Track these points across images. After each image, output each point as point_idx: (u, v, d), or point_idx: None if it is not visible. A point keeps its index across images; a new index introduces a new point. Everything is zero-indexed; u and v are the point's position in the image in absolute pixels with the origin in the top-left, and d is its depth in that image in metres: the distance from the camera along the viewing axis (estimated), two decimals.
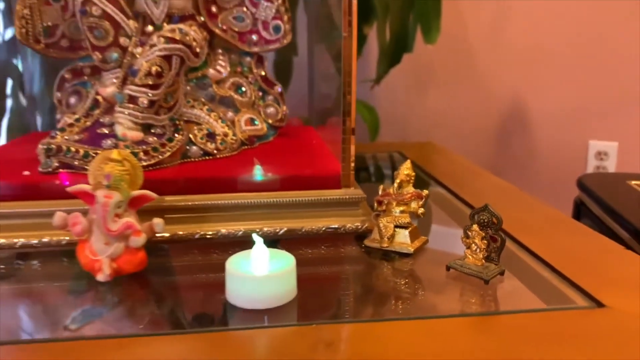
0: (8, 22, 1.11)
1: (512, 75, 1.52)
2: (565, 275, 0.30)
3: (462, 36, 1.52)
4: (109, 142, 0.37)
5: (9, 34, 0.77)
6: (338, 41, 0.67)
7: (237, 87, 0.47)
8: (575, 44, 1.39)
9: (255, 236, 0.28)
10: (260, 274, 0.27)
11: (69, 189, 0.30)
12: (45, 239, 0.34)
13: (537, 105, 1.49)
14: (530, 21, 1.42)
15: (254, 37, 0.47)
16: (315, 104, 0.68)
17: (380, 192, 0.35)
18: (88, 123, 0.40)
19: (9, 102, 0.82)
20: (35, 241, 0.34)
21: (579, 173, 1.48)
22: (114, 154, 0.30)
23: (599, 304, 0.27)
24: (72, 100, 0.45)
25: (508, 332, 0.26)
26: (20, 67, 1.18)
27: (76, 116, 0.40)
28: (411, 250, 0.33)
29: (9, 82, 0.87)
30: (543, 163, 1.44)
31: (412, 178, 0.35)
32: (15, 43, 1.11)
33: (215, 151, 0.41)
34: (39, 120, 1.17)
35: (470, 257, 0.30)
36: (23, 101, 0.89)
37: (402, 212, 0.34)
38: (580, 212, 0.69)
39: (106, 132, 0.38)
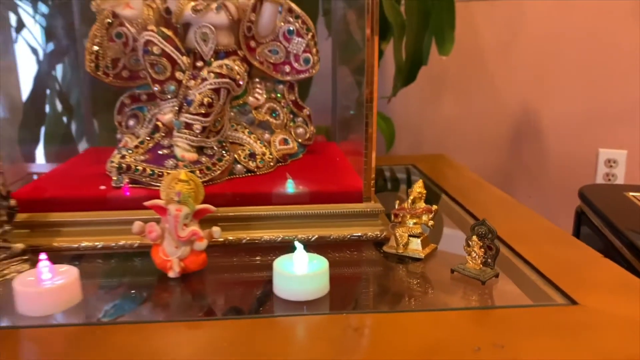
0: (48, 37, 1.21)
1: (524, 84, 1.57)
2: (549, 277, 0.36)
3: (475, 47, 1.58)
4: (170, 162, 0.45)
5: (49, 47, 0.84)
6: (357, 56, 0.74)
7: (272, 112, 0.54)
8: (585, 53, 1.44)
9: (297, 243, 0.35)
10: (301, 273, 0.34)
11: (146, 203, 0.37)
12: (121, 242, 0.41)
13: (548, 114, 1.54)
14: (541, 32, 1.48)
15: (287, 67, 0.54)
16: (337, 115, 0.75)
17: (396, 206, 0.42)
18: (150, 145, 0.47)
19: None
20: (112, 244, 0.41)
21: (588, 180, 1.54)
22: (182, 175, 0.38)
23: (573, 302, 0.34)
24: (131, 122, 0.53)
25: (500, 322, 0.32)
26: (58, 79, 1.27)
27: (140, 139, 0.48)
28: (422, 255, 0.40)
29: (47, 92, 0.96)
30: (554, 170, 1.49)
31: (424, 195, 0.41)
32: (53, 56, 1.20)
33: (256, 169, 0.48)
34: (73, 128, 1.27)
35: (470, 262, 0.37)
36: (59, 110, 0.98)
37: (415, 223, 0.41)
38: (580, 220, 0.75)
39: (166, 153, 0.46)
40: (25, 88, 0.87)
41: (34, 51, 0.93)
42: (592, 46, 1.44)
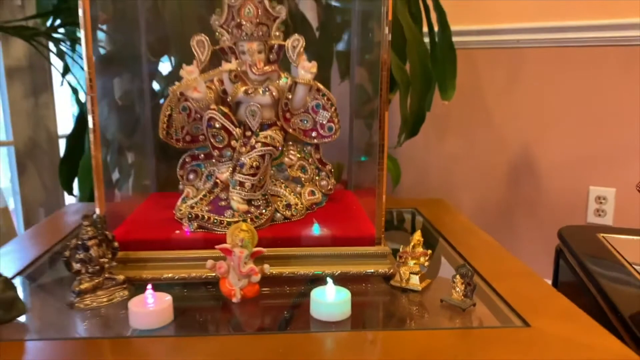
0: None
1: (522, 126, 1.73)
2: (512, 306, 0.50)
3: (477, 91, 1.75)
4: (228, 212, 0.59)
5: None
6: (368, 106, 0.88)
7: (302, 168, 0.68)
8: (577, 98, 1.60)
9: (328, 279, 0.49)
10: (330, 301, 0.48)
11: (217, 247, 0.51)
12: (193, 275, 0.55)
13: (544, 153, 1.69)
14: (538, 77, 1.64)
15: (314, 133, 0.68)
16: (353, 153, 0.88)
17: (400, 250, 0.56)
18: (212, 197, 0.62)
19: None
20: (186, 275, 0.55)
21: (580, 214, 1.68)
22: (244, 226, 0.52)
23: (527, 324, 0.47)
24: (191, 176, 0.67)
25: (475, 338, 0.46)
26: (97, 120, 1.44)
27: (203, 192, 0.62)
28: (419, 288, 0.54)
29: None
30: (548, 204, 1.63)
31: (421, 242, 0.55)
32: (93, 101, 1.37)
33: (291, 216, 0.62)
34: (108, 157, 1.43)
35: (454, 294, 0.51)
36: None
37: (414, 263, 0.55)
38: (559, 257, 0.88)
39: (224, 204, 0.60)
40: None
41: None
42: (585, 92, 1.59)
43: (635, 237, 0.86)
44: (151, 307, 0.46)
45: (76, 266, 0.50)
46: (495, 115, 1.73)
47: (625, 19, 1.46)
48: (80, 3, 0.53)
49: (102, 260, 0.51)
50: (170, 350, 0.44)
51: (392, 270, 0.57)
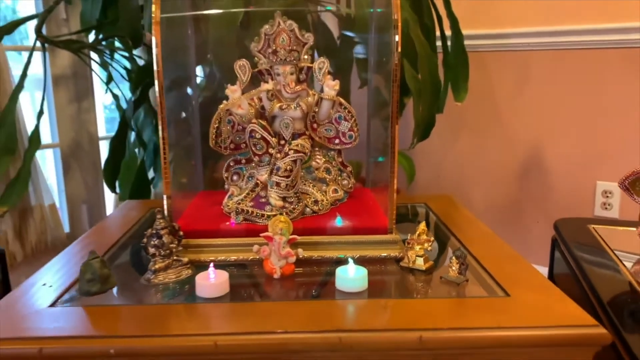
0: (133, 89, 1.53)
1: (530, 125, 1.85)
2: (498, 281, 0.63)
3: (488, 92, 1.87)
4: (268, 207, 0.73)
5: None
6: (384, 110, 1.00)
7: (326, 170, 0.82)
8: (582, 97, 1.71)
9: (350, 259, 0.63)
10: (352, 276, 0.62)
11: (262, 235, 0.66)
12: (241, 257, 0.69)
13: (552, 151, 1.81)
14: (545, 78, 1.75)
15: (337, 141, 0.82)
16: (370, 153, 1.00)
17: (408, 238, 0.69)
18: (253, 195, 0.76)
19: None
20: (234, 257, 0.70)
21: (588, 208, 1.80)
22: (282, 218, 0.66)
23: (508, 295, 0.60)
24: (235, 177, 0.81)
25: (466, 305, 0.59)
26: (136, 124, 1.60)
27: (247, 191, 0.77)
28: (424, 268, 0.67)
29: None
30: (557, 199, 1.74)
31: (425, 231, 0.69)
32: (132, 105, 1.52)
33: (318, 211, 0.76)
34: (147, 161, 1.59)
35: (451, 272, 0.64)
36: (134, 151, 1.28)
37: (420, 248, 0.68)
38: (554, 246, 1.00)
39: (264, 201, 0.75)
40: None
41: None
42: (589, 91, 1.70)
43: (621, 228, 0.98)
44: (212, 281, 0.61)
45: (151, 250, 0.64)
46: (505, 114, 1.85)
47: (626, 22, 1.57)
48: (154, 41, 0.67)
49: (171, 245, 0.65)
50: (227, 313, 0.58)
51: (401, 254, 0.70)
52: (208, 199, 0.84)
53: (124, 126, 1.60)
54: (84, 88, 1.81)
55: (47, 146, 1.78)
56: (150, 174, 1.65)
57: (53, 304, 0.59)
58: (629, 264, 0.80)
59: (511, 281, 0.63)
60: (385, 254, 0.71)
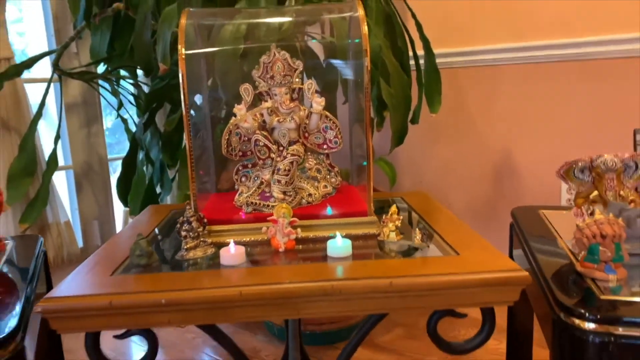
0: (142, 113, 1.76)
1: (502, 133, 2.11)
2: (452, 245, 0.84)
3: (462, 104, 2.13)
4: (271, 199, 0.95)
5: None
6: (363, 122, 1.21)
7: (317, 170, 1.04)
8: (547, 107, 1.95)
9: (337, 232, 0.84)
10: (340, 245, 0.83)
11: (269, 218, 0.87)
12: (252, 239, 0.90)
13: (522, 155, 2.06)
14: (514, 91, 2.00)
15: (325, 146, 1.04)
16: (353, 160, 1.22)
17: (383, 217, 0.91)
18: (259, 191, 0.97)
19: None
20: (247, 239, 0.91)
21: (555, 204, 2.01)
22: (284, 205, 0.87)
23: (458, 254, 0.82)
24: (243, 179, 1.03)
25: (425, 262, 0.80)
26: (146, 142, 1.83)
27: (254, 188, 0.98)
28: (396, 240, 0.89)
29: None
30: (527, 198, 1.98)
31: (396, 212, 0.90)
32: (142, 127, 1.74)
33: (312, 202, 0.98)
34: (155, 176, 1.81)
35: (416, 240, 0.85)
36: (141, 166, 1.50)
37: (392, 225, 0.89)
38: (512, 231, 1.22)
39: (269, 195, 0.96)
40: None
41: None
42: (552, 101, 1.95)
43: (565, 212, 1.20)
44: (233, 252, 0.82)
45: (183, 233, 0.85)
46: (479, 124, 2.09)
47: (583, 37, 1.82)
48: (180, 72, 0.89)
49: (198, 230, 0.86)
50: (246, 274, 0.79)
51: (378, 231, 0.92)
52: (221, 198, 1.05)
53: (134, 146, 1.82)
54: (93, 114, 2.04)
55: (61, 168, 1.99)
56: (157, 189, 1.86)
57: (112, 274, 0.80)
58: (567, 238, 1.02)
59: (462, 246, 0.85)
60: (365, 232, 0.92)
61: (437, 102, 1.71)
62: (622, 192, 1.04)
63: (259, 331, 1.71)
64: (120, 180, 1.77)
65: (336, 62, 1.43)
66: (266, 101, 1.00)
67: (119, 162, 1.80)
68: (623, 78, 1.75)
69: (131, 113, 1.93)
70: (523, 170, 2.02)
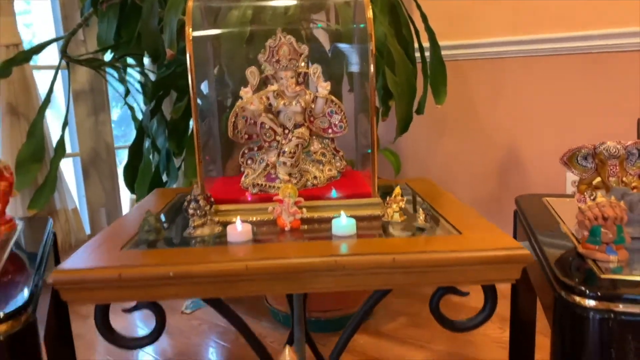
0: (149, 100, 1.78)
1: (507, 126, 2.12)
2: (454, 225, 0.86)
3: (468, 97, 2.14)
4: (277, 181, 0.96)
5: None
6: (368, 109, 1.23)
7: (322, 154, 1.05)
8: (551, 100, 1.96)
9: (342, 212, 0.85)
10: (344, 223, 0.84)
11: (275, 198, 0.88)
12: (258, 218, 0.92)
13: (527, 149, 2.06)
14: (518, 83, 2.01)
15: (330, 130, 1.05)
16: (358, 150, 1.24)
17: (387, 199, 0.92)
18: (265, 173, 0.99)
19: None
20: (253, 219, 0.92)
21: None
22: (289, 185, 0.89)
23: (460, 233, 0.83)
24: (249, 162, 1.05)
25: (429, 240, 0.82)
26: (153, 130, 1.85)
27: (260, 170, 1.00)
28: (399, 221, 0.90)
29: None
30: (532, 189, 1.99)
31: (399, 193, 0.91)
32: (149, 114, 1.77)
33: (317, 184, 0.99)
34: (161, 164, 1.83)
35: (419, 220, 0.87)
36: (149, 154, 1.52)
37: (396, 206, 0.91)
38: (515, 217, 1.23)
39: (274, 177, 0.98)
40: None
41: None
42: (556, 93, 1.96)
43: (569, 199, 1.21)
44: (240, 229, 0.83)
45: (191, 211, 0.87)
46: (484, 116, 2.10)
47: (585, 31, 1.83)
48: (188, 54, 0.90)
49: (205, 208, 0.88)
50: (252, 250, 0.81)
51: (382, 213, 0.93)
52: (228, 181, 1.07)
53: (140, 134, 1.84)
54: (100, 102, 2.06)
55: (69, 155, 2.01)
56: (164, 178, 1.88)
57: (121, 249, 0.82)
58: (570, 224, 1.03)
59: (465, 226, 0.86)
60: (369, 213, 0.94)
61: (443, 93, 1.73)
62: (624, 179, 1.05)
63: (263, 318, 1.73)
64: (127, 168, 1.79)
65: (342, 46, 1.44)
66: (272, 85, 1.01)
67: (126, 151, 1.83)
68: (627, 71, 1.76)
69: (138, 101, 1.96)
70: (528, 163, 2.03)
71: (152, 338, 0.81)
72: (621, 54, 1.74)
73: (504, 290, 1.20)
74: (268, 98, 1.01)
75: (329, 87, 1.01)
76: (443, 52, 1.69)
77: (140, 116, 1.89)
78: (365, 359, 1.50)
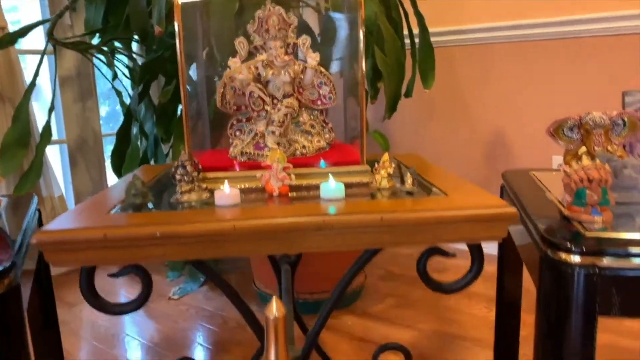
0: (137, 83, 1.77)
1: (494, 111, 2.13)
2: (441, 189, 0.87)
3: (455, 82, 2.15)
4: (266, 149, 0.96)
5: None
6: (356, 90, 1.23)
7: (312, 126, 1.06)
8: (537, 85, 1.98)
9: (330, 176, 0.86)
10: (333, 187, 0.85)
11: (263, 164, 0.89)
12: (247, 185, 0.92)
13: (514, 133, 2.08)
14: (506, 69, 2.03)
15: (319, 102, 1.06)
16: (347, 132, 1.25)
17: (375, 165, 0.93)
18: (254, 142, 0.99)
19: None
20: (244, 186, 0.92)
21: None
22: (278, 151, 0.89)
23: (446, 195, 0.84)
24: (237, 133, 1.05)
25: (417, 201, 0.82)
26: (142, 113, 1.85)
27: (248, 139, 1.00)
28: (387, 186, 0.91)
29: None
30: None
31: (387, 160, 0.92)
32: (137, 97, 1.76)
33: (306, 154, 1.00)
34: (148, 148, 1.82)
35: (407, 185, 0.88)
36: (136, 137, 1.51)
37: (384, 172, 0.91)
38: (502, 192, 1.24)
39: (262, 145, 0.98)
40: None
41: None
42: (543, 78, 1.98)
43: (555, 172, 1.22)
44: (227, 192, 0.83)
45: (178, 177, 0.87)
46: (472, 102, 2.12)
47: (573, 15, 1.85)
48: (176, 23, 0.90)
49: (193, 174, 0.88)
50: (240, 212, 0.81)
51: (371, 180, 0.94)
52: (216, 152, 1.07)
53: (128, 118, 1.83)
54: (88, 88, 2.05)
55: (55, 142, 2.00)
56: (151, 163, 1.87)
57: (107, 213, 0.81)
58: (556, 193, 1.04)
59: (452, 189, 0.87)
60: (358, 180, 0.94)
61: (431, 78, 1.74)
62: (609, 148, 1.06)
63: (252, 301, 1.73)
64: (114, 153, 1.79)
65: (331, 26, 1.45)
66: (261, 54, 1.01)
67: (113, 139, 1.81)
68: (615, 55, 1.78)
69: (126, 87, 1.95)
70: (514, 146, 2.04)
71: (137, 303, 0.81)
72: (611, 38, 1.77)
73: (490, 271, 1.21)
74: (257, 68, 1.02)
75: (317, 58, 1.01)
76: (432, 39, 1.71)
77: (128, 101, 1.88)
78: (351, 339, 1.50)
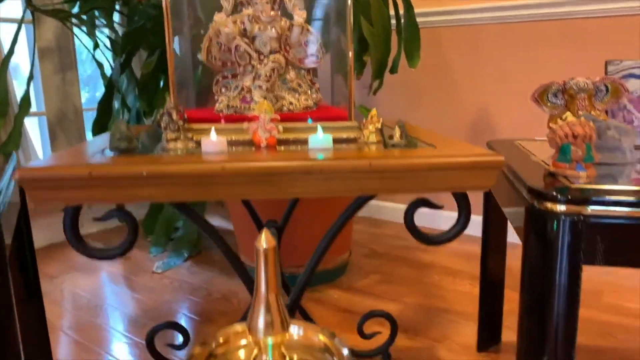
0: (119, 54, 1.75)
1: (480, 91, 2.15)
2: (429, 142, 0.87)
3: (443, 63, 2.16)
4: (252, 103, 0.96)
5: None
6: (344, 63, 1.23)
7: (299, 84, 1.05)
8: (525, 66, 2.00)
9: (318, 127, 0.86)
10: (321, 137, 0.85)
11: (250, 115, 0.88)
12: (234, 138, 0.92)
13: (501, 114, 2.10)
14: (493, 51, 2.04)
15: (306, 60, 1.06)
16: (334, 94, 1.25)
17: (363, 121, 0.93)
18: (241, 96, 0.99)
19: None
20: (230, 139, 0.92)
21: None
22: (266, 102, 0.89)
23: (434, 147, 0.85)
24: (223, 89, 1.04)
25: (405, 153, 0.83)
26: (124, 85, 1.83)
27: (234, 93, 0.99)
28: (375, 140, 0.91)
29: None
30: None
31: (375, 114, 0.92)
32: (119, 68, 1.74)
33: (293, 110, 1.00)
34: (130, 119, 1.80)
35: (396, 138, 0.88)
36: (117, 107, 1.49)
37: (372, 127, 0.92)
38: None
39: (250, 100, 0.97)
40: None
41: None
42: (530, 59, 2.00)
43: (540, 140, 1.24)
44: (214, 140, 0.83)
45: (163, 124, 0.86)
46: (460, 83, 2.13)
47: None
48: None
49: (179, 123, 0.87)
50: (227, 160, 0.80)
51: (359, 135, 0.94)
52: (201, 109, 1.06)
53: (110, 90, 1.81)
54: (68, 61, 2.01)
55: (35, 114, 1.96)
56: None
57: (93, 156, 0.80)
58: (542, 157, 1.06)
59: (440, 143, 0.88)
60: (346, 135, 0.94)
61: (417, 56, 1.75)
62: (592, 112, 1.08)
63: (237, 275, 1.72)
64: (95, 124, 1.76)
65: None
66: (247, 9, 1.01)
67: (94, 114, 1.78)
68: (602, 37, 1.81)
69: (108, 58, 1.92)
70: (501, 128, 2.07)
71: (123, 249, 0.80)
72: (598, 20, 1.80)
73: (474, 252, 1.23)
74: (243, 22, 1.01)
75: (304, 15, 1.01)
76: (419, 19, 1.72)
77: (109, 73, 1.86)
78: (337, 311, 1.50)
